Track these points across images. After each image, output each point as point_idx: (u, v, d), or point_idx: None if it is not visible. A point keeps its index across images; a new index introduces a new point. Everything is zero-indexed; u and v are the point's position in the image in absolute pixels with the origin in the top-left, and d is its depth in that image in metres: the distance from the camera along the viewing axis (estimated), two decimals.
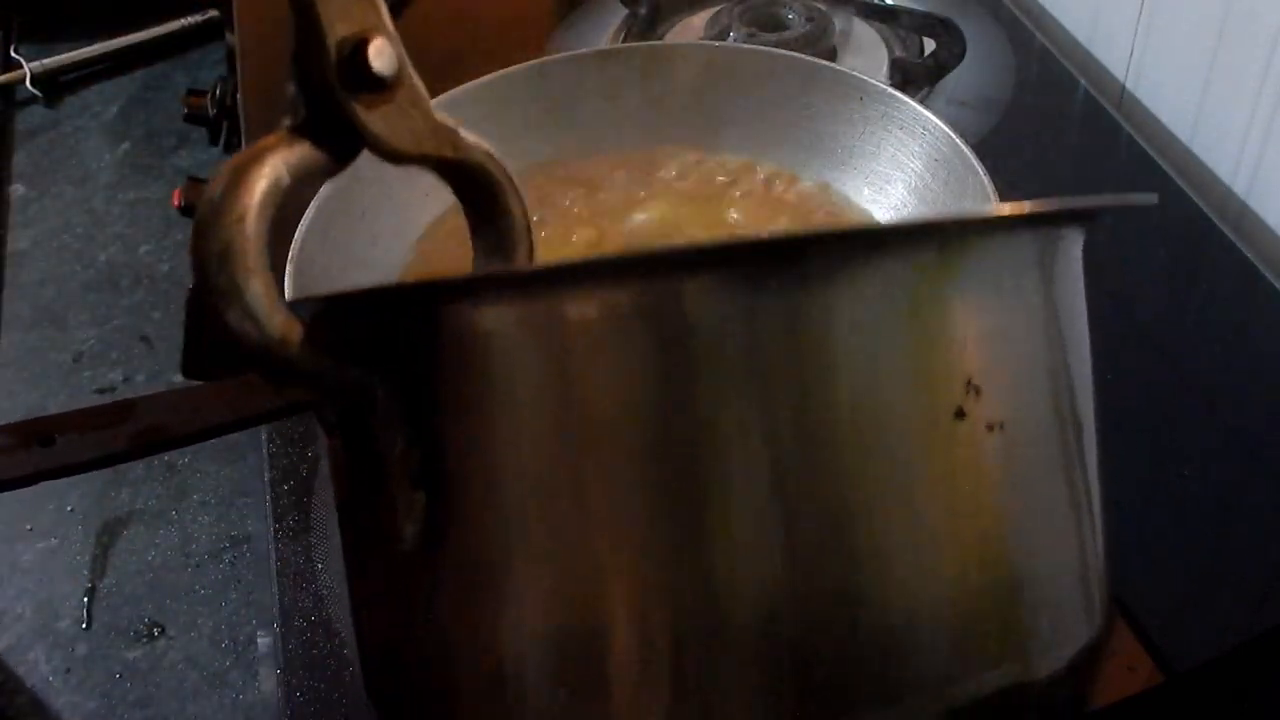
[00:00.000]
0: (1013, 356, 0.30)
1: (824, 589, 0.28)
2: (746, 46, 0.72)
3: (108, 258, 1.50)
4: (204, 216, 0.27)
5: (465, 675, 0.31)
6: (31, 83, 1.72)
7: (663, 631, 0.28)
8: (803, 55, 0.63)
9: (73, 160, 1.65)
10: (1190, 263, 0.68)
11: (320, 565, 0.54)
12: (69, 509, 1.22)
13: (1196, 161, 0.74)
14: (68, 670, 1.10)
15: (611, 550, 0.28)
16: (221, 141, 1.03)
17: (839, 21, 0.80)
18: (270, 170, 0.28)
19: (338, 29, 0.29)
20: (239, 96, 0.84)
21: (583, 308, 0.28)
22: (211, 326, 0.27)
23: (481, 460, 0.29)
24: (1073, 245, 0.33)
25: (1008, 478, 0.30)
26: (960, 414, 0.29)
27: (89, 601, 1.15)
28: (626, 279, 0.28)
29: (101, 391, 1.33)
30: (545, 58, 0.66)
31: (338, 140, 0.30)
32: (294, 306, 0.28)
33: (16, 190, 1.61)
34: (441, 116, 0.31)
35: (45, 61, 1.73)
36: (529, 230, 0.33)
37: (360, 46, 0.29)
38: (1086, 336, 0.34)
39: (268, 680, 0.54)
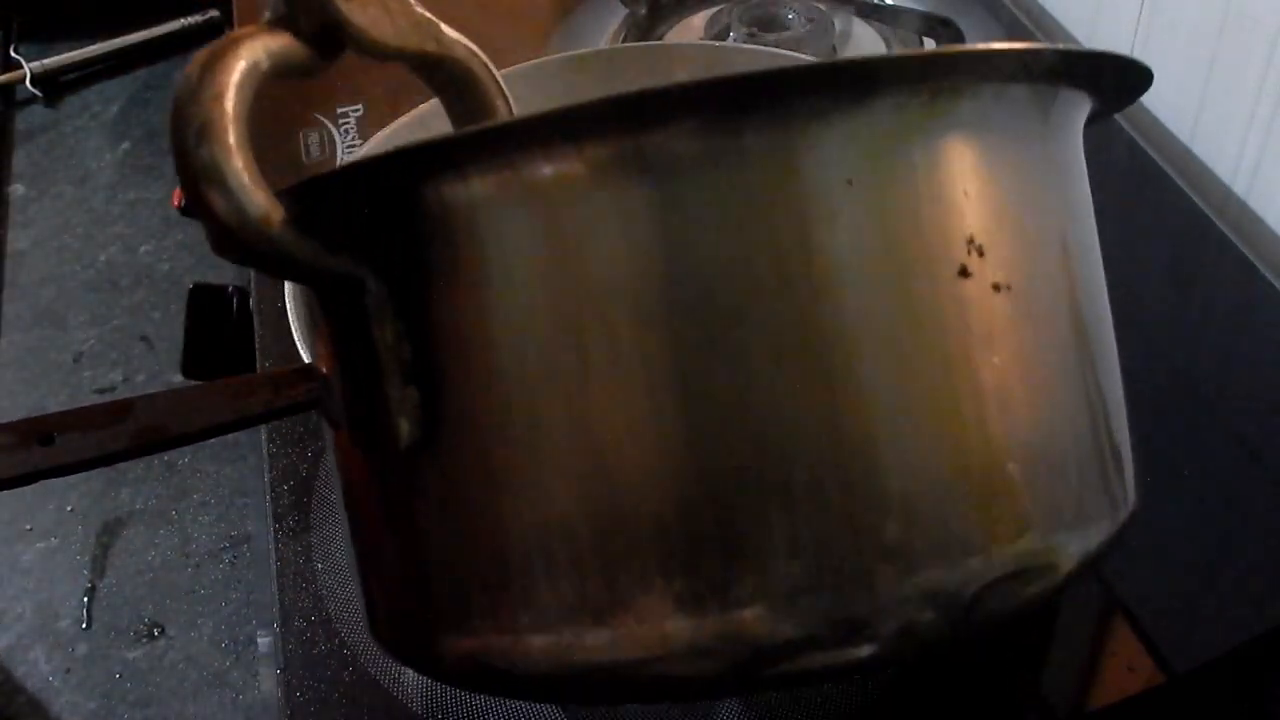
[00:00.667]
0: (1018, 218, 0.29)
1: (828, 449, 0.27)
2: (746, 46, 0.72)
3: (108, 258, 1.50)
4: (181, 95, 0.26)
5: (471, 573, 0.30)
6: (31, 83, 1.72)
7: (677, 507, 0.27)
8: (803, 55, 0.63)
9: (73, 160, 1.65)
10: (1190, 263, 0.68)
11: (320, 565, 0.54)
12: (69, 509, 1.22)
13: (1196, 161, 0.74)
14: (68, 670, 1.10)
15: (623, 427, 0.27)
16: None
17: (839, 21, 0.80)
18: (248, 53, 0.27)
19: None
20: None
21: (563, 162, 0.27)
22: (195, 206, 0.26)
23: (475, 347, 0.28)
24: (1073, 112, 0.32)
25: (1017, 340, 0.29)
26: (965, 272, 0.28)
27: (89, 601, 1.15)
28: (607, 126, 0.27)
29: (101, 391, 1.33)
30: (545, 58, 0.66)
31: (319, 35, 0.29)
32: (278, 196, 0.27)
33: (16, 190, 1.61)
34: (423, 11, 0.30)
35: (45, 61, 1.73)
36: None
37: None
38: (1093, 218, 0.33)
39: (268, 680, 0.54)
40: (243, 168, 0.26)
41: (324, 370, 0.33)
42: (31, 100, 1.74)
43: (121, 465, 1.24)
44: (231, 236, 0.26)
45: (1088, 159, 0.69)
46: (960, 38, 0.75)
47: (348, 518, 0.35)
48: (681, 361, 0.27)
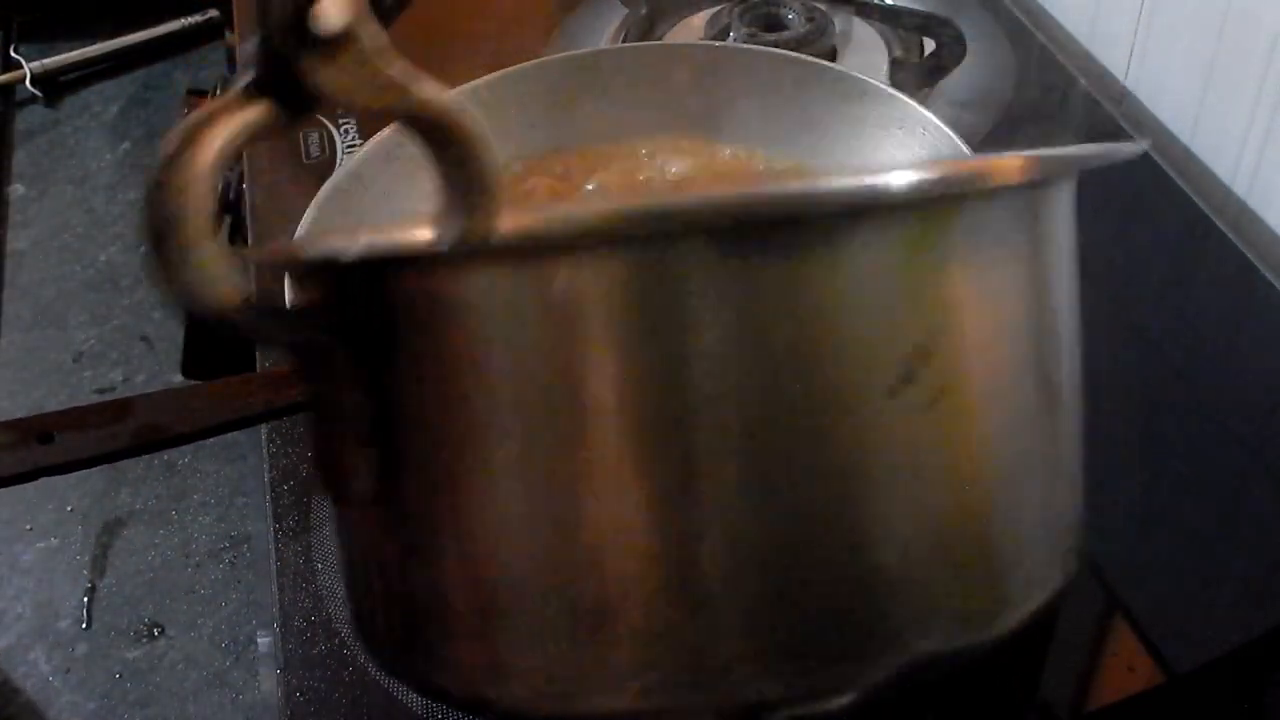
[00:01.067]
0: (978, 319, 0.30)
1: (786, 547, 0.28)
2: (746, 46, 0.72)
3: (108, 258, 1.50)
4: (150, 186, 0.27)
5: (425, 616, 0.32)
6: (31, 83, 1.72)
7: (609, 589, 0.29)
8: (803, 55, 0.63)
9: (73, 160, 1.65)
10: (1190, 263, 0.68)
11: (320, 565, 0.54)
12: (69, 509, 1.22)
13: (1196, 161, 0.74)
14: (68, 670, 1.10)
15: (537, 521, 0.29)
16: None
17: (839, 21, 0.80)
18: (223, 132, 0.28)
19: None
20: None
21: (521, 279, 0.28)
22: (163, 293, 0.27)
23: (432, 420, 0.30)
24: (1061, 196, 0.33)
25: (963, 438, 0.30)
26: (908, 379, 0.28)
27: (89, 601, 1.15)
28: (555, 254, 0.28)
29: (101, 391, 1.33)
30: (545, 58, 0.66)
31: (293, 97, 0.29)
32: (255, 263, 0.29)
33: (16, 190, 1.61)
34: (402, 67, 0.31)
35: (45, 61, 1.73)
36: (496, 181, 0.33)
37: (306, 5, 0.28)
38: (1072, 278, 0.33)
39: (268, 680, 0.54)
40: (209, 258, 0.27)
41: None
42: (31, 100, 1.74)
43: (122, 465, 1.25)
44: (210, 318, 0.28)
45: None
46: (960, 38, 0.75)
47: (336, 537, 0.37)
48: (599, 456, 0.28)
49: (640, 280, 0.27)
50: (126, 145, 1.66)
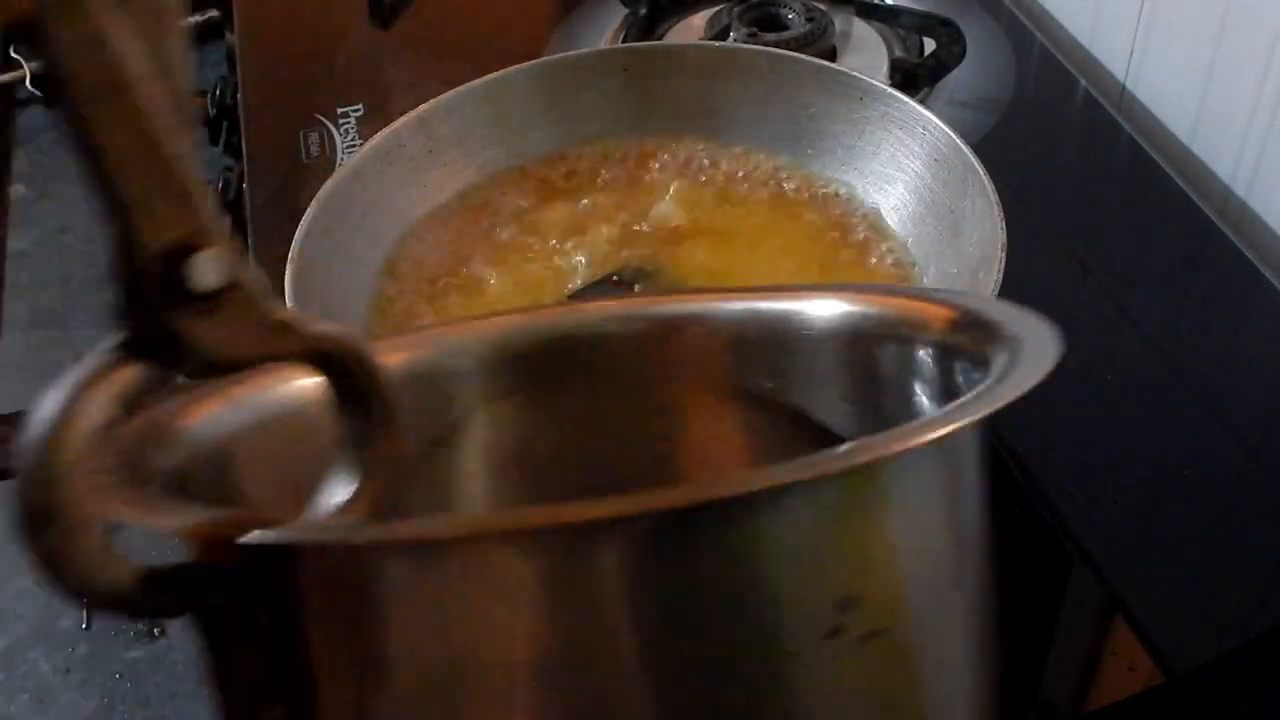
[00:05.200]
0: (897, 567, 0.30)
1: None
2: (746, 46, 0.72)
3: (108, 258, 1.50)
4: (22, 474, 0.25)
5: None
6: (31, 83, 1.72)
7: None
8: (803, 55, 0.63)
9: (73, 160, 1.65)
10: (1190, 263, 0.68)
11: None
12: None
13: (1196, 161, 0.74)
14: (68, 670, 1.10)
15: None
16: (221, 141, 1.03)
17: (839, 21, 0.80)
18: (95, 409, 0.26)
19: (152, 239, 0.26)
20: (239, 96, 0.84)
21: (416, 566, 0.27)
22: (44, 578, 0.26)
23: (336, 684, 0.29)
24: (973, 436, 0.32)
25: (891, 680, 0.29)
26: (836, 631, 0.28)
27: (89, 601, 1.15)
28: (454, 553, 0.27)
29: None
30: (545, 58, 0.66)
31: (172, 354, 0.27)
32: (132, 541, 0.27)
33: (17, 190, 1.61)
34: (283, 311, 0.28)
35: None
36: (396, 405, 0.32)
37: (178, 259, 0.26)
38: (984, 517, 0.33)
39: None
40: (92, 549, 0.25)
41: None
42: (31, 100, 1.74)
43: None
44: (98, 602, 0.26)
45: (1088, 158, 0.69)
46: (960, 38, 0.75)
47: None
48: None
49: (549, 574, 0.27)
50: None
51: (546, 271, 0.58)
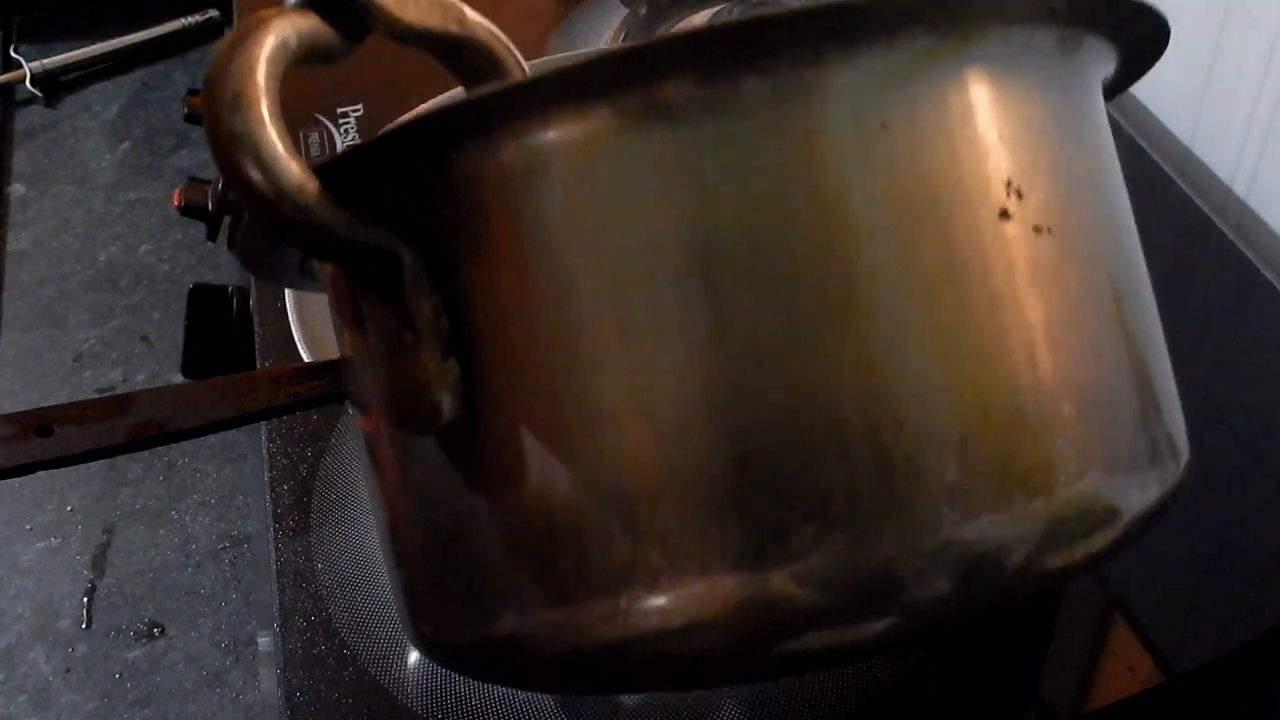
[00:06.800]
0: (1054, 163, 0.30)
1: (879, 390, 0.27)
2: None
3: (108, 258, 1.50)
4: (213, 68, 0.26)
5: (517, 548, 0.29)
6: (31, 83, 1.72)
7: (721, 464, 0.27)
8: None
9: (73, 160, 1.65)
10: (1190, 263, 0.68)
11: (320, 565, 0.54)
12: (69, 509, 1.22)
13: (1196, 161, 0.74)
14: (68, 670, 1.10)
15: (670, 381, 0.27)
16: None
17: None
18: (278, 30, 0.27)
19: None
20: None
21: (590, 118, 0.27)
22: (225, 187, 0.26)
23: (514, 315, 0.28)
24: (1096, 65, 0.33)
25: (1063, 283, 0.29)
26: (1005, 214, 0.28)
27: (89, 601, 1.15)
28: (633, 76, 0.26)
29: (101, 391, 1.33)
30: (545, 58, 0.66)
31: (343, 16, 0.29)
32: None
33: (16, 190, 1.61)
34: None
35: (45, 61, 1.73)
36: None
37: None
38: (1120, 174, 0.33)
39: (268, 680, 0.54)
40: (276, 138, 0.26)
41: (349, 353, 0.33)
42: (31, 100, 1.74)
43: (122, 465, 1.25)
44: (267, 208, 0.26)
45: None
46: None
47: (378, 508, 0.34)
48: (725, 311, 0.27)
49: (700, 107, 0.26)
50: (126, 145, 1.66)
51: None
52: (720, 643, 0.28)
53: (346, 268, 0.30)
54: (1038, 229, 0.28)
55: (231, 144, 0.26)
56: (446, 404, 0.28)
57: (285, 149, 0.26)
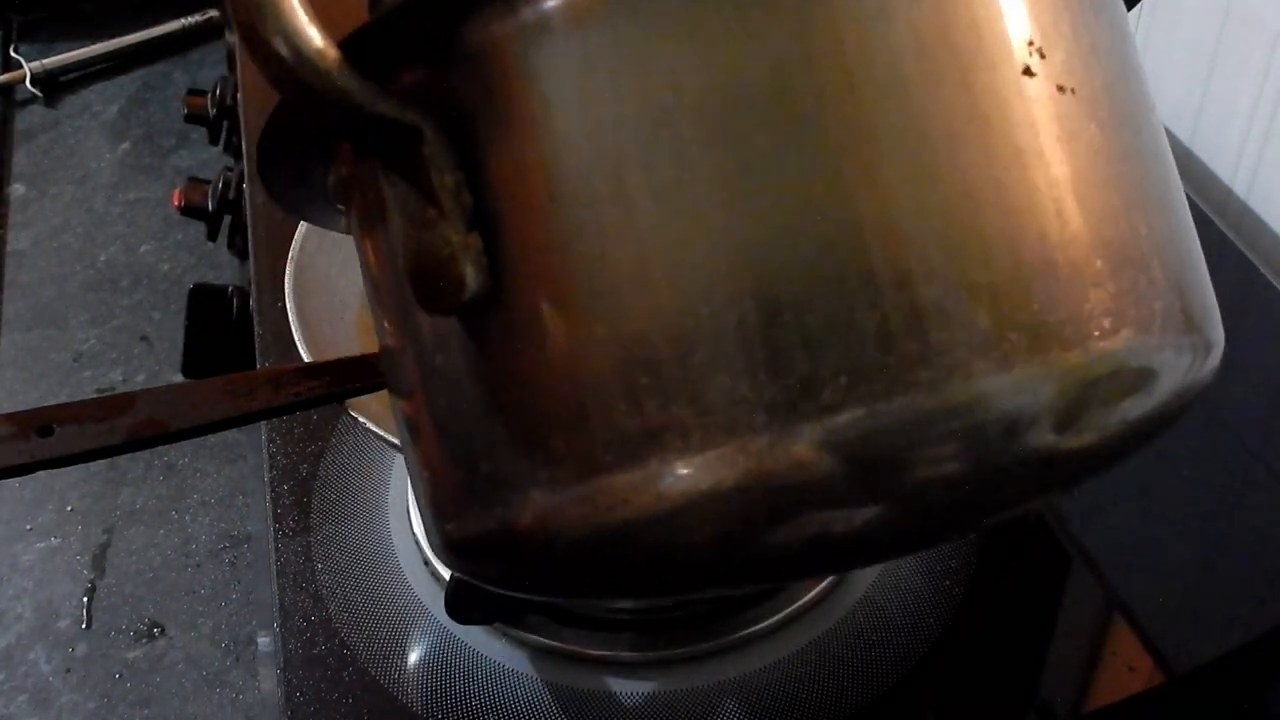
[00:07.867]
0: (1076, 27, 0.29)
1: (907, 239, 0.27)
2: None
3: (108, 258, 1.50)
4: None
5: (547, 417, 0.28)
6: (31, 83, 1.72)
7: (751, 318, 0.26)
8: None
9: (73, 160, 1.65)
10: None
11: (320, 565, 0.54)
12: (69, 509, 1.22)
13: (1196, 161, 0.74)
14: (68, 670, 1.10)
15: (696, 234, 0.27)
16: (221, 141, 1.03)
17: None
18: None
19: None
20: (239, 96, 0.84)
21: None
22: (249, 44, 0.26)
23: (538, 179, 0.28)
24: None
25: (1087, 142, 0.29)
26: (1029, 71, 0.28)
27: (89, 601, 1.15)
28: None
29: (101, 391, 1.33)
30: None
31: None
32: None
33: (16, 190, 1.61)
34: None
35: (45, 61, 1.73)
36: None
37: None
38: (1137, 50, 0.32)
39: (268, 680, 0.54)
40: (298, 7, 0.26)
41: (372, 262, 0.33)
42: (31, 100, 1.74)
43: (122, 465, 1.25)
44: (287, 74, 0.26)
45: None
46: None
47: (400, 411, 0.34)
48: (751, 163, 0.27)
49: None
50: (126, 145, 1.66)
51: None
52: (723, 524, 0.28)
53: (368, 143, 0.30)
54: (1061, 88, 0.28)
55: (252, 8, 0.25)
56: (471, 277, 0.28)
57: (305, 17, 0.26)
